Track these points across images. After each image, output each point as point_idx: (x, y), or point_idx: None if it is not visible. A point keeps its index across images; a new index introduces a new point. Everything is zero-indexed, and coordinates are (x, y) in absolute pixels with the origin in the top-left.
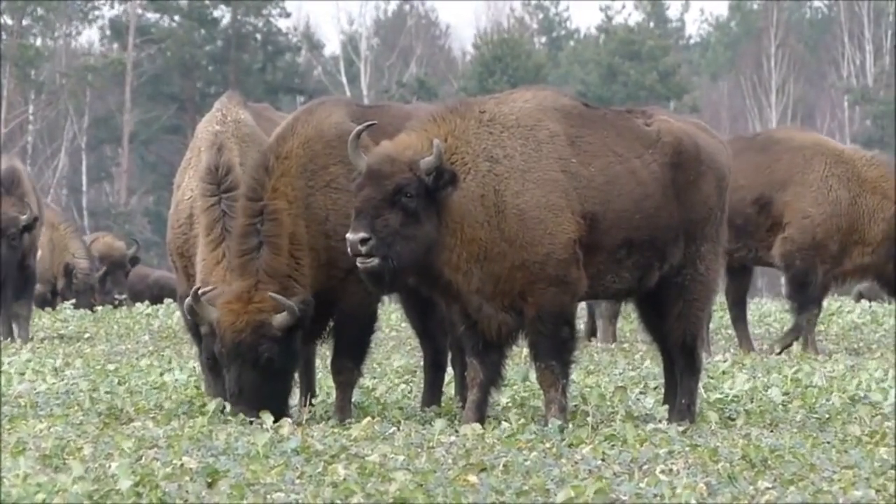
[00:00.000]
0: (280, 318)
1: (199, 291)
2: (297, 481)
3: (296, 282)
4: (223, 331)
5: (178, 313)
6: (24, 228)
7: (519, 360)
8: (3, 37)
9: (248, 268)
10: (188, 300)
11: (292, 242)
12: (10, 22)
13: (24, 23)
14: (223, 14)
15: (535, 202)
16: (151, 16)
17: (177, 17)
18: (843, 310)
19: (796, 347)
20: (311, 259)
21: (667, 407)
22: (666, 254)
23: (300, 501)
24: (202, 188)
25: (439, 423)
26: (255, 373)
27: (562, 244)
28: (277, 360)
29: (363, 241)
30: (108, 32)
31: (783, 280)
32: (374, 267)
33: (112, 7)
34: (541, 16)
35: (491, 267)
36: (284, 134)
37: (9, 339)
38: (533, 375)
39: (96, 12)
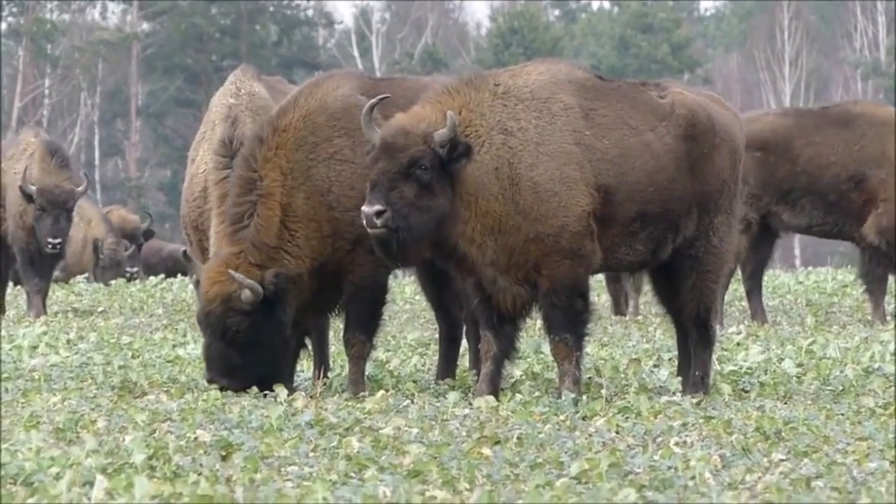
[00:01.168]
0: (246, 295)
1: (188, 251)
2: (311, 454)
3: (287, 253)
4: (200, 297)
5: (191, 287)
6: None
7: (532, 333)
8: (14, 10)
9: (237, 237)
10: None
11: (286, 214)
12: None
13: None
14: None
15: (549, 175)
16: None
17: None
18: (857, 282)
19: (811, 319)
20: (312, 231)
21: (680, 379)
22: (679, 226)
23: (314, 474)
24: (215, 161)
25: (453, 396)
26: (223, 343)
27: (576, 217)
28: (246, 334)
29: (378, 214)
30: (110, 6)
31: (859, 254)
32: (383, 233)
33: None
34: None
35: (505, 240)
36: (286, 107)
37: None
38: (546, 348)
39: None
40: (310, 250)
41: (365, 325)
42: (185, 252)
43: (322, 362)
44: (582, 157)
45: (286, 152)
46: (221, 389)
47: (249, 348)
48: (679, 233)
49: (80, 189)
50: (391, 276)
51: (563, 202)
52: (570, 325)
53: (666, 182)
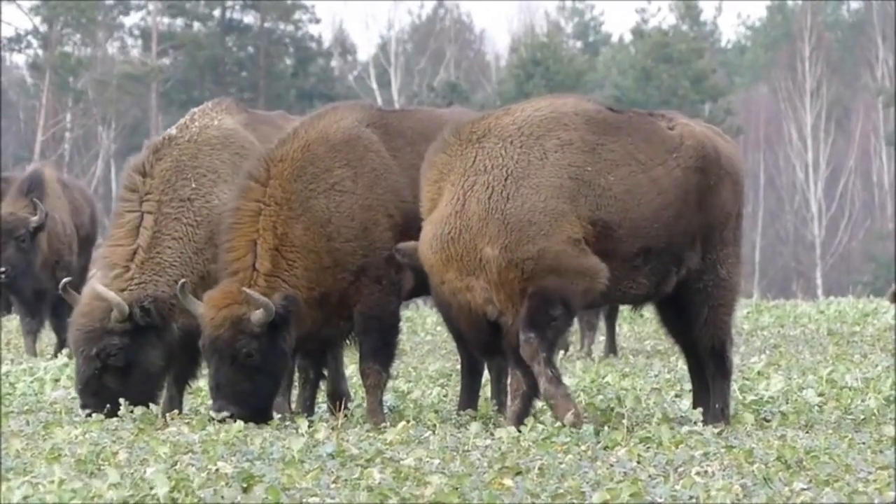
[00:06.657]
0: (258, 315)
1: (184, 284)
2: (333, 486)
3: (285, 282)
4: (204, 325)
5: None
6: (35, 230)
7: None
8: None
9: (234, 266)
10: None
11: (283, 244)
12: (46, 31)
13: (62, 31)
14: (253, 20)
15: (531, 206)
16: (179, 22)
17: (196, 23)
18: (878, 311)
19: (832, 348)
20: (310, 262)
21: (701, 409)
22: (683, 259)
23: None
24: (121, 191)
25: (474, 427)
26: (233, 369)
27: (559, 240)
28: (256, 357)
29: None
30: (128, 41)
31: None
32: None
33: (129, 16)
34: (576, 20)
35: (489, 276)
36: (286, 138)
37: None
38: (567, 379)
39: (123, 18)
40: (307, 280)
41: (378, 354)
42: (64, 285)
43: (341, 393)
44: (577, 191)
45: (282, 182)
46: (231, 418)
47: (257, 374)
48: (683, 265)
49: (34, 218)
50: (413, 308)
51: (544, 231)
52: (540, 327)
53: (672, 218)
